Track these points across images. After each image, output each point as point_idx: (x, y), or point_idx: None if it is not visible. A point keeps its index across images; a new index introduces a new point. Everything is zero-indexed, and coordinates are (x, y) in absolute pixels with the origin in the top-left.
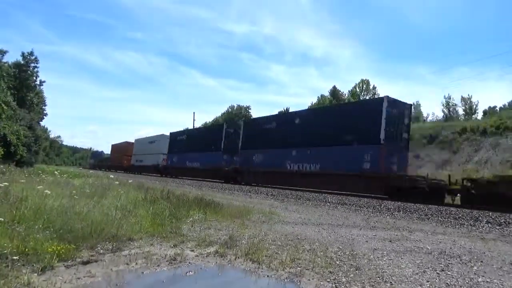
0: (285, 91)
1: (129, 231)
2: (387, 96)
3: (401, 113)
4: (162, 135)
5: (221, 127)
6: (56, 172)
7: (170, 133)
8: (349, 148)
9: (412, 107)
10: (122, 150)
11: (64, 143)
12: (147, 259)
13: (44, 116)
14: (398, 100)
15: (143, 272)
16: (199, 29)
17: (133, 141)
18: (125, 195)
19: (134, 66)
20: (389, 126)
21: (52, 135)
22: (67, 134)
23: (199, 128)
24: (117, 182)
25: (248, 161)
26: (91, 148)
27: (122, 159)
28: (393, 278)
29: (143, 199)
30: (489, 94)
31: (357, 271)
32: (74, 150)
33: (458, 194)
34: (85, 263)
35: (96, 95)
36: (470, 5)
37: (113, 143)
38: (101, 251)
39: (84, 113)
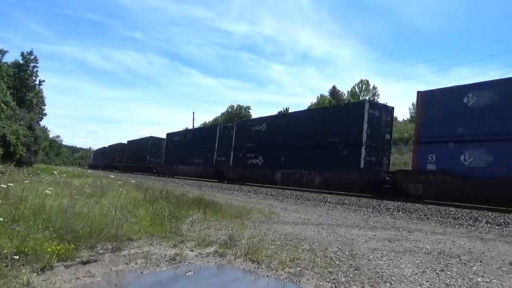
0: (285, 91)
1: (128, 231)
2: (220, 124)
3: (230, 132)
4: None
5: (148, 140)
6: (55, 172)
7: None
8: (207, 155)
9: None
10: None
11: (64, 142)
12: (146, 259)
13: (44, 116)
14: (228, 125)
15: (142, 272)
16: (199, 29)
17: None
18: (124, 195)
19: (134, 66)
20: (221, 141)
21: (51, 135)
22: (67, 134)
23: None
24: (120, 182)
25: (171, 162)
26: (90, 148)
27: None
28: (393, 278)
29: (143, 199)
30: None
31: (356, 271)
32: (74, 150)
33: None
34: (84, 263)
35: (96, 95)
36: (470, 5)
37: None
38: (101, 251)
39: (84, 112)
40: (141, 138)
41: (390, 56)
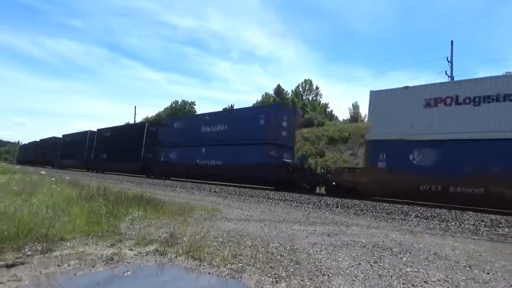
0: (230, 88)
1: (61, 230)
2: (89, 131)
3: (94, 137)
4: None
5: (50, 140)
6: None
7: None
8: (81, 153)
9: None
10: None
11: None
12: (81, 259)
13: None
14: (93, 132)
15: (76, 274)
16: (143, 20)
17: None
18: (57, 193)
19: (70, 56)
20: (89, 143)
21: None
22: None
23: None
24: (53, 179)
25: (63, 157)
26: (18, 142)
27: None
28: (330, 271)
29: (78, 197)
30: None
31: (297, 265)
32: None
33: None
34: (10, 266)
35: (27, 85)
36: (407, 13)
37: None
38: (29, 252)
39: (12, 103)
40: (47, 138)
41: (333, 57)
